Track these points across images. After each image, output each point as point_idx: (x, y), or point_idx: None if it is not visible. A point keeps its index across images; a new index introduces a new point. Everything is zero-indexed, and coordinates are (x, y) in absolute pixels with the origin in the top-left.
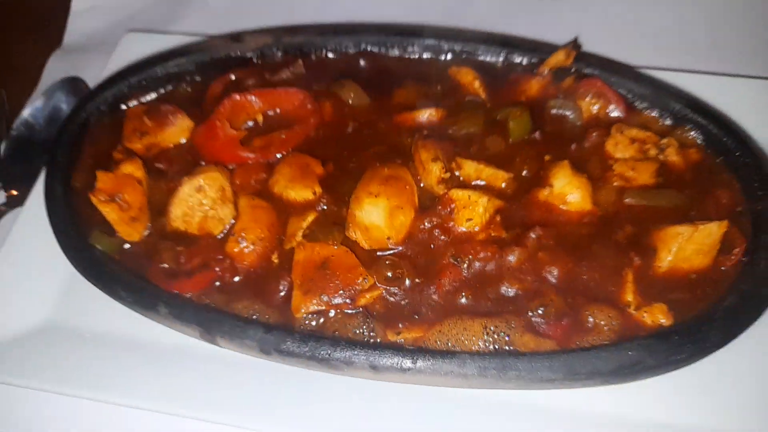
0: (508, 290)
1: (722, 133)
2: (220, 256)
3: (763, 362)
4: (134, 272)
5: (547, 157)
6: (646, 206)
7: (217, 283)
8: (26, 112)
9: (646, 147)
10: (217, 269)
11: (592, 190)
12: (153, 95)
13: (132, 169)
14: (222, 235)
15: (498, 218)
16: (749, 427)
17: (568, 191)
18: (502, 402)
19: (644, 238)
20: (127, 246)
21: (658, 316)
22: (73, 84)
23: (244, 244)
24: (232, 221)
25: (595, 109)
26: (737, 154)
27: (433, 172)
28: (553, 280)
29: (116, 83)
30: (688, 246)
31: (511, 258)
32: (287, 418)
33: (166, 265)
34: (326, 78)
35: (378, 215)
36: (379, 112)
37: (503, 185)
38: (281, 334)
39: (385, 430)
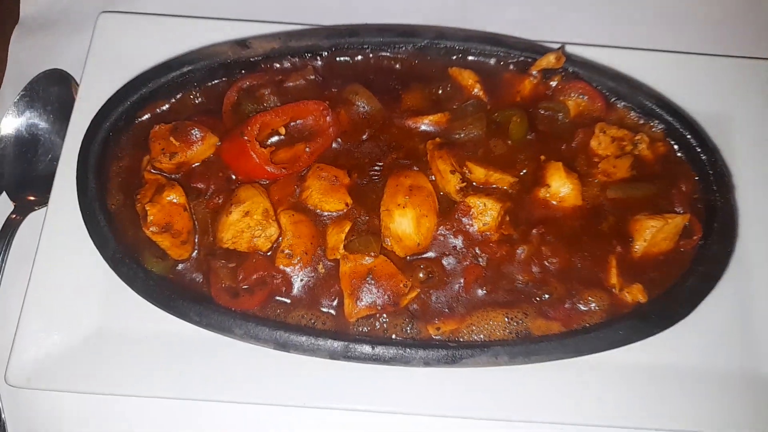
0: (519, 282)
1: (683, 129)
2: (274, 272)
3: (715, 325)
4: (196, 292)
5: (542, 157)
6: (624, 197)
7: (276, 297)
8: (16, 114)
9: (624, 144)
10: (274, 284)
11: (582, 187)
12: (165, 105)
13: (175, 195)
14: (270, 251)
15: (507, 218)
16: (699, 363)
17: (563, 190)
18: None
19: (623, 226)
20: (179, 267)
21: (636, 294)
22: (60, 77)
23: (293, 258)
24: (278, 237)
25: (580, 107)
26: (696, 149)
27: (452, 182)
28: (554, 270)
29: (129, 96)
30: (658, 235)
31: (520, 253)
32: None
33: (225, 284)
34: (336, 83)
35: (408, 225)
36: (390, 117)
37: (508, 187)
38: (347, 342)
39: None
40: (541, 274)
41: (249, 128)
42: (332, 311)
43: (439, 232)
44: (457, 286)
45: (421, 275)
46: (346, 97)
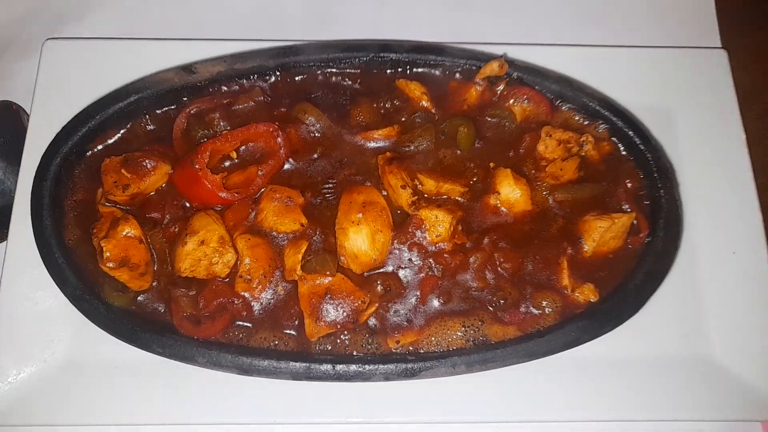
0: (474, 289)
1: (627, 128)
2: (234, 298)
3: (666, 317)
4: (159, 322)
5: (491, 164)
6: (572, 199)
7: (237, 322)
8: None
9: (570, 145)
10: (234, 309)
11: (531, 192)
12: (116, 136)
13: (130, 229)
14: (228, 277)
15: (460, 228)
16: (653, 355)
17: (512, 196)
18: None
19: (572, 227)
20: (141, 298)
21: (588, 294)
22: (8, 109)
23: (251, 282)
24: (236, 262)
25: (526, 111)
26: (640, 147)
27: (403, 196)
28: (507, 275)
29: (77, 129)
30: (606, 234)
31: (473, 261)
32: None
33: (186, 313)
34: (284, 102)
35: (363, 241)
36: (340, 134)
37: (460, 196)
38: (308, 363)
39: None
40: (495, 280)
41: (199, 156)
42: (294, 332)
43: (394, 246)
44: (414, 298)
45: (378, 290)
46: (296, 116)
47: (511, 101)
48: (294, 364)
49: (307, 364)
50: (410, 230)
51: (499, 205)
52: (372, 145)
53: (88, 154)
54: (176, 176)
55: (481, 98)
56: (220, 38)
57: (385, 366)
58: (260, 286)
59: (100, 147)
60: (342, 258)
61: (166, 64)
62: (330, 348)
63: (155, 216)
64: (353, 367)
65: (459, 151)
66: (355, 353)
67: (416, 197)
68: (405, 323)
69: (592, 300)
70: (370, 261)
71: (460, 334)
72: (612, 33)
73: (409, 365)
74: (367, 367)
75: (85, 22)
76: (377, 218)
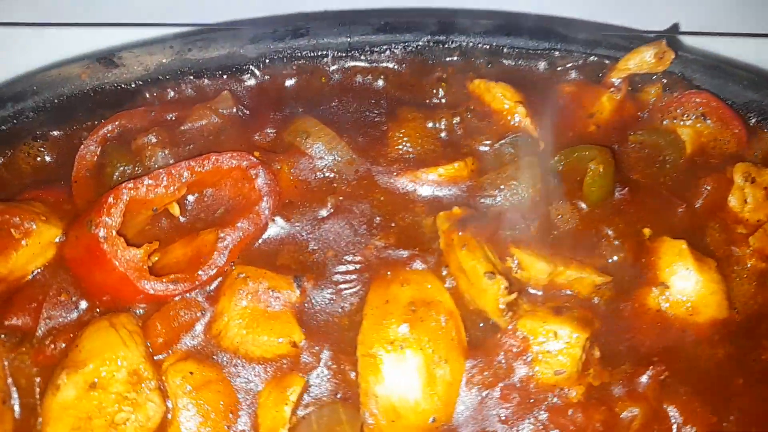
0: None
1: None
2: None
3: None
4: None
5: (645, 231)
6: None
7: None
8: None
9: None
10: None
11: (727, 285)
12: None
13: None
14: None
15: (597, 354)
16: None
17: (693, 292)
18: None
19: None
20: None
21: None
22: None
23: None
24: (163, 419)
25: (702, 136)
26: None
27: (489, 291)
28: None
29: None
30: None
31: (628, 419)
32: None
33: None
34: (271, 118)
35: (409, 383)
36: (368, 173)
37: (592, 293)
38: None
39: None
40: None
41: (105, 212)
42: None
43: (470, 393)
44: None
45: None
46: (290, 141)
47: (675, 119)
48: None
49: None
50: (502, 360)
51: (666, 309)
52: (426, 193)
53: None
54: (68, 248)
55: (619, 113)
56: (164, 23)
57: None
58: None
59: None
60: (369, 417)
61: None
62: None
63: (21, 323)
64: None
65: (584, 206)
66: None
67: (514, 294)
68: None
69: None
70: (424, 423)
71: None
72: None
73: None
74: None
75: None
76: (438, 335)
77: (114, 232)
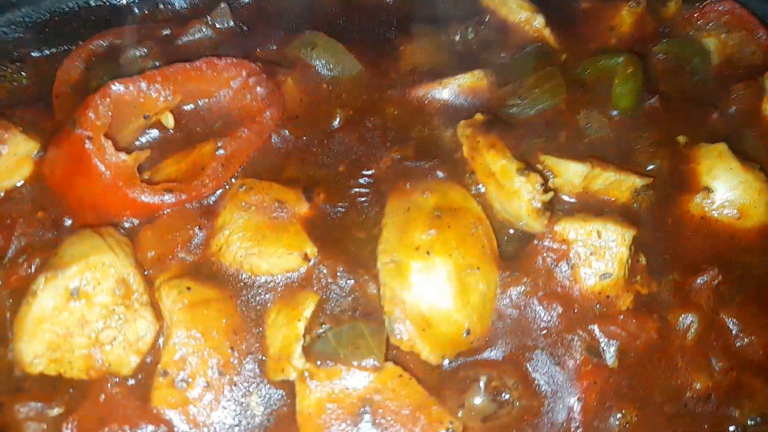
0: (694, 393)
1: None
2: (148, 423)
3: None
4: None
5: (680, 139)
6: None
7: None
8: None
9: None
10: None
11: None
12: None
13: None
14: (139, 376)
15: (642, 260)
16: None
17: (736, 194)
18: None
19: None
20: None
21: None
22: None
23: (189, 386)
24: (155, 340)
25: (728, 46)
26: None
27: (520, 193)
28: (751, 357)
29: None
30: None
31: (683, 328)
32: None
33: None
34: (275, 33)
35: (440, 291)
36: (381, 86)
37: (631, 199)
38: None
39: None
40: (729, 372)
41: (90, 112)
42: None
43: (506, 302)
44: (562, 414)
45: (479, 402)
46: (295, 55)
47: (699, 30)
48: None
49: None
50: (540, 267)
51: (712, 214)
52: (443, 104)
53: None
54: (47, 162)
55: (640, 26)
56: None
57: None
58: (211, 395)
59: None
60: (396, 325)
61: None
62: None
63: None
64: None
65: (615, 114)
66: None
67: (550, 192)
68: None
69: None
70: (456, 333)
71: None
72: None
73: None
74: None
75: None
76: (468, 241)
77: (101, 134)
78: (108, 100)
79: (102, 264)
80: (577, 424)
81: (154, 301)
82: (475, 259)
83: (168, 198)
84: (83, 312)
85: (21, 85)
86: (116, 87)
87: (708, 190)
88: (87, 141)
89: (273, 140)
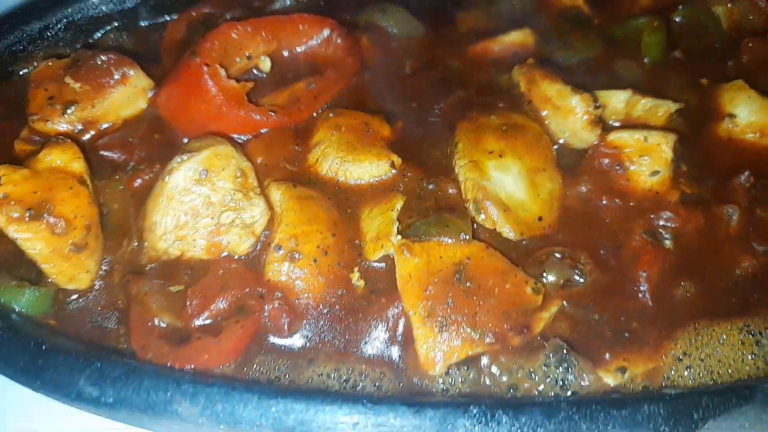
0: (743, 269)
1: None
2: (263, 291)
3: None
4: (103, 347)
5: (703, 81)
6: None
7: (269, 337)
8: None
9: None
10: (265, 314)
11: None
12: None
13: (63, 157)
14: (253, 252)
15: (684, 167)
16: None
17: (760, 116)
18: None
19: None
20: (71, 300)
21: None
22: None
23: (298, 261)
24: (266, 224)
25: (734, 13)
26: None
27: (575, 110)
28: None
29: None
30: None
31: (729, 215)
32: None
33: (164, 323)
34: (349, 6)
35: (515, 183)
36: (441, 45)
37: (667, 122)
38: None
39: None
40: None
41: (208, 44)
42: (393, 358)
43: (571, 198)
44: (630, 287)
45: (556, 271)
46: (367, 20)
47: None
48: (412, 416)
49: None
50: (597, 167)
51: (737, 135)
52: (495, 51)
53: (14, 78)
54: (163, 94)
55: None
56: None
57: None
58: (317, 271)
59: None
60: (481, 211)
61: None
62: (472, 389)
63: (115, 156)
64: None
65: (647, 61)
66: (538, 392)
67: (600, 110)
68: (626, 335)
69: None
70: (532, 219)
71: (739, 350)
72: None
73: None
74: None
75: None
76: (533, 149)
77: (216, 63)
78: (223, 37)
79: (225, 153)
80: (645, 293)
81: (265, 194)
82: (541, 162)
83: (273, 116)
84: (208, 194)
85: (128, 50)
86: (228, 28)
87: (732, 116)
88: (205, 68)
89: (354, 82)
